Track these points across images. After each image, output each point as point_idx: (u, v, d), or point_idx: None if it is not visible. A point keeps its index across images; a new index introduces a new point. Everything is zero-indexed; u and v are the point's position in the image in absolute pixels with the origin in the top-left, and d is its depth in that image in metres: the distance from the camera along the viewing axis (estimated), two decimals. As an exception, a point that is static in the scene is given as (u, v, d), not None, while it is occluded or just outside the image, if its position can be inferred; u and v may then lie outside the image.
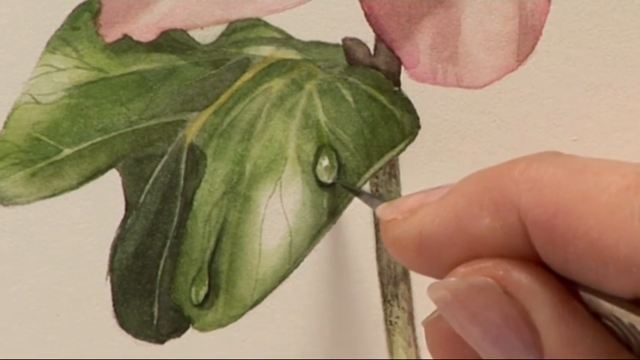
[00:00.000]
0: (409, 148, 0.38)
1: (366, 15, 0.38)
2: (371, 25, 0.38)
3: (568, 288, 0.24)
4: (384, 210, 0.27)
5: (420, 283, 0.38)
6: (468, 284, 0.25)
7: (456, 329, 0.25)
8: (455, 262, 0.25)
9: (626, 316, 0.23)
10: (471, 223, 0.24)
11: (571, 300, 0.24)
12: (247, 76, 0.38)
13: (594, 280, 0.23)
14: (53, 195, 0.38)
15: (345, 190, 0.37)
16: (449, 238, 0.25)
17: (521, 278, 0.24)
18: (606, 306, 0.23)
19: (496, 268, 0.25)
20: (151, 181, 0.38)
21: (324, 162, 0.38)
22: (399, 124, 0.38)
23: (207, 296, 0.38)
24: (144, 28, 0.38)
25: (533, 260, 0.24)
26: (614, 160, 0.24)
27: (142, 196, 0.38)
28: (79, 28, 0.38)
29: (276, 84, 0.38)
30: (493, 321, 0.24)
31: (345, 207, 0.38)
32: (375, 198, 0.36)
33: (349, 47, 0.38)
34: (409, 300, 0.38)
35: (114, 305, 0.38)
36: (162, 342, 0.38)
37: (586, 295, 0.24)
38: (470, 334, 0.25)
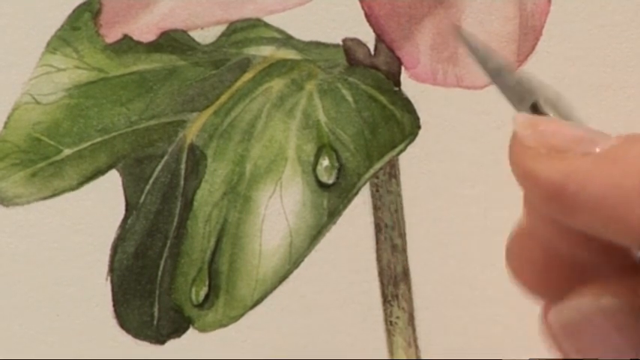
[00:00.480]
0: (409, 149, 0.38)
1: (367, 15, 0.38)
2: (371, 25, 0.38)
3: None
4: (524, 126, 0.24)
5: (421, 284, 0.38)
6: (598, 307, 0.23)
7: (572, 354, 0.24)
8: (587, 225, 0.23)
9: None
10: (624, 208, 0.22)
11: None
12: (247, 76, 0.38)
13: None
14: (53, 195, 0.38)
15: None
16: (595, 207, 0.22)
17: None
18: None
19: (627, 288, 0.23)
20: (151, 181, 0.38)
21: (325, 162, 0.38)
22: (400, 125, 0.38)
23: (207, 296, 0.38)
24: (144, 29, 0.38)
25: None
26: None
27: (142, 197, 0.38)
28: (79, 28, 0.38)
29: (277, 84, 0.38)
30: (621, 347, 0.23)
31: (345, 207, 0.38)
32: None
33: (349, 47, 0.38)
34: (409, 300, 0.38)
35: (114, 305, 0.38)
36: (162, 342, 0.38)
37: None
38: (591, 356, 0.23)
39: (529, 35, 0.38)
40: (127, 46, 0.38)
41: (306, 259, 0.38)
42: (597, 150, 0.23)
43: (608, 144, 0.23)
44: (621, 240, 0.23)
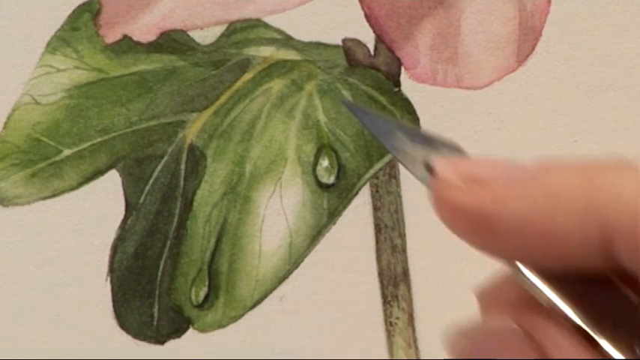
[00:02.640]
0: (409, 149, 0.38)
1: (366, 16, 0.38)
2: (371, 25, 0.38)
3: (585, 336, 0.24)
4: (443, 166, 0.25)
5: (421, 284, 0.38)
6: (487, 330, 0.24)
7: None
8: (514, 249, 0.24)
9: None
10: (548, 224, 0.23)
11: (583, 345, 0.24)
12: (247, 76, 0.38)
13: None
14: (53, 195, 0.38)
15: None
16: (518, 230, 0.24)
17: (538, 322, 0.24)
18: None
19: (511, 310, 0.24)
20: (151, 181, 0.38)
21: (324, 163, 0.38)
22: (399, 125, 0.38)
23: (207, 297, 0.38)
24: (144, 29, 0.38)
25: (600, 269, 0.24)
26: None
27: (142, 197, 0.38)
28: (79, 28, 0.38)
29: (276, 85, 0.38)
30: None
31: (345, 208, 0.38)
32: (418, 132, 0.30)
33: (349, 48, 0.38)
34: (409, 301, 0.38)
35: (114, 306, 0.38)
36: (162, 342, 0.38)
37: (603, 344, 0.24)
38: None
39: (529, 36, 0.38)
40: (126, 46, 0.38)
41: (306, 260, 0.38)
42: (513, 175, 0.24)
43: (522, 168, 0.24)
44: (546, 259, 0.24)
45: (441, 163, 0.25)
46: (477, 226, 0.24)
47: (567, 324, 0.24)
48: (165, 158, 0.38)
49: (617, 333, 0.24)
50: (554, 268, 0.24)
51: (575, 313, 0.24)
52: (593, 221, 0.23)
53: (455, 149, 0.26)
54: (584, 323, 0.24)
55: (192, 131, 0.38)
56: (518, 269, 0.24)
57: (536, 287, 0.24)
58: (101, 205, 0.38)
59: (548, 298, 0.24)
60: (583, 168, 0.24)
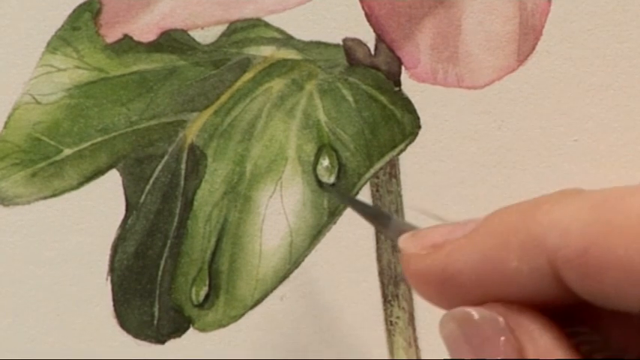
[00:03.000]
0: (409, 148, 0.38)
1: (367, 15, 0.38)
2: (371, 25, 0.38)
3: (565, 334, 0.24)
4: (406, 242, 0.27)
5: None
6: (475, 317, 0.25)
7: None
8: (478, 301, 0.25)
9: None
10: (498, 265, 0.25)
11: (564, 343, 0.24)
12: (248, 76, 0.38)
13: (637, 305, 0.23)
14: (54, 195, 0.38)
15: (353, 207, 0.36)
16: (474, 278, 0.25)
17: (522, 319, 0.25)
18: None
19: (502, 306, 0.25)
20: (151, 181, 0.38)
21: (325, 162, 0.38)
22: (400, 125, 0.38)
23: (207, 296, 0.38)
24: (144, 28, 0.38)
25: (560, 300, 0.24)
26: (632, 186, 0.24)
27: (143, 197, 0.38)
28: (79, 28, 0.38)
29: (277, 84, 0.38)
30: (494, 357, 0.25)
31: (345, 207, 0.38)
32: (385, 216, 0.34)
33: (350, 47, 0.38)
34: (410, 300, 0.38)
35: (114, 305, 0.38)
36: (162, 342, 0.38)
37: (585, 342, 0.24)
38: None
39: (529, 35, 0.38)
40: (127, 45, 0.38)
41: (307, 259, 0.38)
42: (464, 230, 0.26)
43: (475, 223, 0.26)
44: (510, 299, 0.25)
45: (403, 240, 0.28)
46: (444, 287, 0.26)
47: (549, 325, 0.25)
48: (166, 158, 0.38)
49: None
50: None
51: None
52: (542, 258, 0.24)
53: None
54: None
55: (193, 131, 0.38)
56: None
57: None
58: (101, 204, 0.38)
59: None
60: (527, 206, 0.25)
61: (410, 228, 0.28)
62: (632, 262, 0.22)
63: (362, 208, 0.33)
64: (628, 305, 0.23)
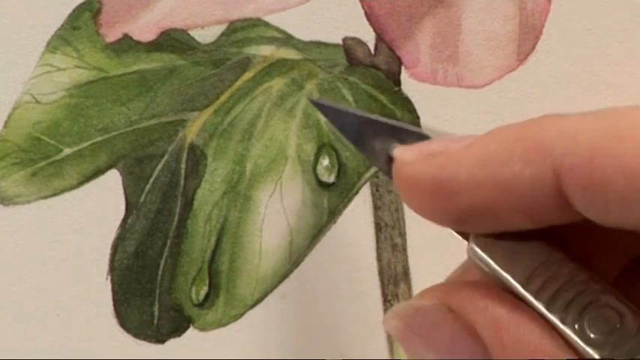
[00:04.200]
0: (409, 148, 0.38)
1: (367, 15, 0.38)
2: (371, 24, 0.38)
3: (513, 301, 0.24)
4: (402, 151, 0.26)
5: (421, 283, 0.38)
6: (415, 308, 0.25)
7: (411, 355, 0.25)
8: (472, 209, 0.24)
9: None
10: (498, 168, 0.24)
11: (515, 310, 0.24)
12: (248, 75, 0.38)
13: (637, 218, 0.23)
14: (53, 195, 0.38)
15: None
16: (471, 181, 0.24)
17: (463, 296, 0.24)
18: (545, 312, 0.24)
19: (440, 290, 0.25)
20: (151, 180, 0.38)
21: (325, 162, 0.38)
22: (400, 124, 0.38)
23: (207, 296, 0.38)
24: (144, 28, 0.38)
25: (554, 216, 0.24)
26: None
27: (143, 196, 0.38)
28: (79, 27, 0.38)
29: (277, 84, 0.38)
30: (443, 341, 0.24)
31: (345, 207, 0.38)
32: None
33: (349, 47, 0.38)
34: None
35: (114, 305, 0.38)
36: (162, 342, 0.38)
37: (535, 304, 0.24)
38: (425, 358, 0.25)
39: (529, 34, 0.38)
40: (127, 45, 0.38)
41: (307, 259, 0.38)
42: (466, 140, 0.25)
43: (477, 136, 0.25)
44: (500, 216, 0.24)
45: (399, 149, 0.26)
46: (436, 194, 0.25)
47: (504, 298, 0.24)
48: (166, 157, 0.38)
49: (557, 304, 0.24)
50: (507, 229, 0.25)
51: (520, 284, 0.24)
52: (545, 165, 0.23)
53: (421, 137, 0.27)
54: (531, 295, 0.24)
55: (193, 130, 0.38)
56: (473, 245, 0.25)
57: (485, 260, 0.25)
58: (101, 204, 0.38)
59: (496, 272, 0.25)
60: (533, 119, 0.24)
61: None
62: (638, 169, 0.22)
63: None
64: (627, 220, 0.23)
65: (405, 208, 0.39)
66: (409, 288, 0.38)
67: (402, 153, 0.26)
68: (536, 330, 0.24)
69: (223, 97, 0.38)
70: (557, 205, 0.24)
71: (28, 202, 0.38)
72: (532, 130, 0.24)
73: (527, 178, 0.24)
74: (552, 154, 0.23)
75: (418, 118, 0.38)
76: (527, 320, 0.24)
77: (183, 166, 0.38)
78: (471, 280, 0.25)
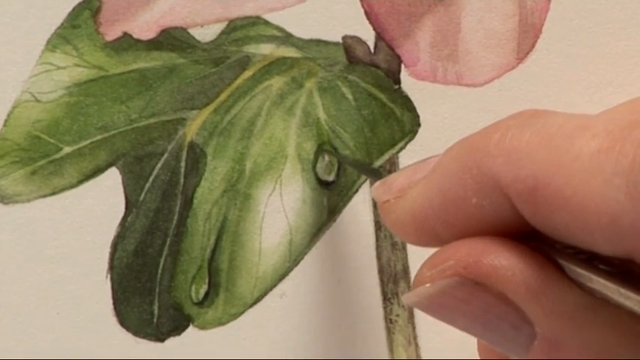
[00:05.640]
0: (409, 146, 0.38)
1: (366, 13, 0.38)
2: (371, 23, 0.38)
3: (546, 258, 0.24)
4: (377, 190, 0.28)
5: (420, 281, 0.38)
6: (438, 290, 0.25)
7: (443, 321, 0.25)
8: (453, 238, 0.25)
9: (603, 287, 0.23)
10: (460, 204, 0.25)
11: (545, 270, 0.24)
12: (247, 74, 0.38)
13: (587, 244, 0.23)
14: (53, 193, 0.38)
15: (352, 167, 0.37)
16: (441, 218, 0.25)
17: (489, 265, 0.24)
18: (584, 275, 0.23)
19: (463, 262, 0.25)
20: (151, 179, 0.38)
21: (325, 160, 0.38)
22: (399, 122, 0.38)
23: (207, 294, 0.38)
24: (144, 26, 0.38)
25: (523, 231, 0.24)
26: (586, 117, 0.24)
27: (142, 195, 0.38)
28: (79, 26, 0.38)
29: (277, 82, 0.38)
30: (475, 312, 0.24)
31: (345, 205, 0.38)
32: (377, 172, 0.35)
33: (349, 45, 0.38)
34: (409, 298, 0.38)
35: (114, 303, 0.38)
36: (162, 340, 0.38)
37: (565, 264, 0.24)
38: (458, 324, 0.25)
39: (529, 33, 0.38)
40: (126, 44, 0.38)
41: (306, 257, 0.38)
42: (427, 171, 0.26)
43: (434, 161, 0.26)
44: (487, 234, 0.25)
45: (374, 189, 0.28)
46: (419, 231, 0.26)
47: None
48: (166, 156, 0.38)
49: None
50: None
51: None
52: (496, 192, 0.24)
53: (374, 172, 0.29)
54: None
55: (193, 129, 0.38)
56: None
57: None
58: (101, 202, 0.38)
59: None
60: (480, 137, 0.25)
61: None
62: (580, 204, 0.22)
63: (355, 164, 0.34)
64: (579, 243, 0.23)
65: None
66: (409, 286, 0.38)
67: (377, 192, 0.28)
68: (574, 289, 0.24)
69: (223, 96, 0.38)
70: (524, 221, 0.24)
71: (28, 200, 0.38)
72: (477, 157, 0.24)
73: (487, 207, 0.24)
74: (499, 182, 0.24)
75: (418, 116, 0.38)
76: (557, 277, 0.24)
77: (182, 164, 0.38)
78: (479, 242, 0.25)
